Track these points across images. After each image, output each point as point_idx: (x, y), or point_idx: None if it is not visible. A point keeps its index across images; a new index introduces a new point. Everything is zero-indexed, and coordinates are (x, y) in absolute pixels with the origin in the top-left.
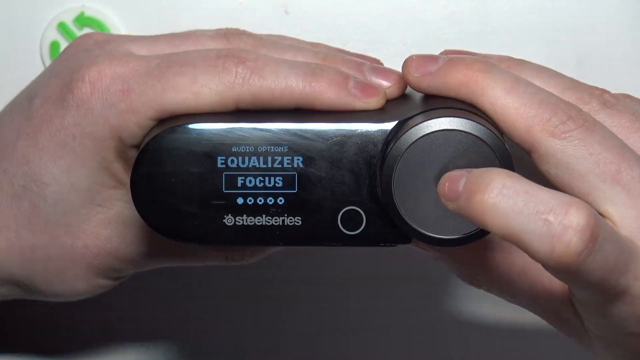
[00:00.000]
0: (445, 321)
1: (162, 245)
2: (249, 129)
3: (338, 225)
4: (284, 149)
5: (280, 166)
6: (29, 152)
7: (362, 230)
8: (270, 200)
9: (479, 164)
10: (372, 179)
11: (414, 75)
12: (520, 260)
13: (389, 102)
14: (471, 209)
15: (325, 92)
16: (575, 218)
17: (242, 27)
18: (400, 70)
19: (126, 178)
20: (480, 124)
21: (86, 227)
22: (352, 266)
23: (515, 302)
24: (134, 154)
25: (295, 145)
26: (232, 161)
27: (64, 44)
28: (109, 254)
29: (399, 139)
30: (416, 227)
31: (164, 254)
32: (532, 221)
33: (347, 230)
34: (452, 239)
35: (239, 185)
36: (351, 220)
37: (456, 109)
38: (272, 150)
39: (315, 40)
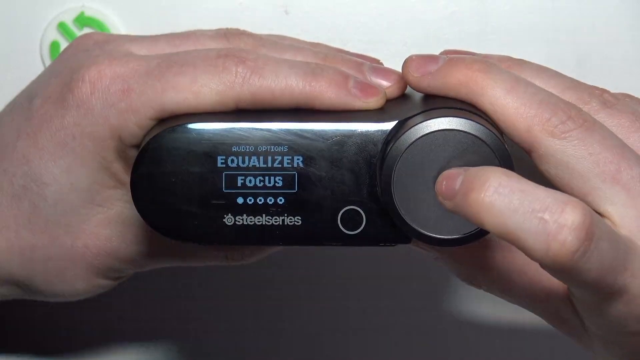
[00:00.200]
0: (445, 321)
1: (162, 245)
2: (249, 128)
3: (338, 224)
4: (284, 149)
5: (280, 166)
6: (29, 152)
7: (362, 230)
8: (270, 200)
9: (479, 163)
10: (372, 178)
11: (414, 75)
12: (520, 260)
13: (389, 101)
14: (467, 207)
15: (325, 92)
16: (570, 216)
17: (242, 27)
18: (400, 70)
19: (126, 178)
20: (479, 123)
21: (86, 227)
22: (352, 266)
23: (515, 302)
24: (134, 153)
25: (295, 145)
26: (232, 161)
27: (64, 44)
28: (108, 254)
29: (398, 138)
30: (416, 227)
31: (163, 254)
32: (528, 219)
33: (347, 230)
34: (452, 239)
35: (239, 184)
36: (351, 220)
37: (456, 108)
38: (272, 149)
39: (315, 40)
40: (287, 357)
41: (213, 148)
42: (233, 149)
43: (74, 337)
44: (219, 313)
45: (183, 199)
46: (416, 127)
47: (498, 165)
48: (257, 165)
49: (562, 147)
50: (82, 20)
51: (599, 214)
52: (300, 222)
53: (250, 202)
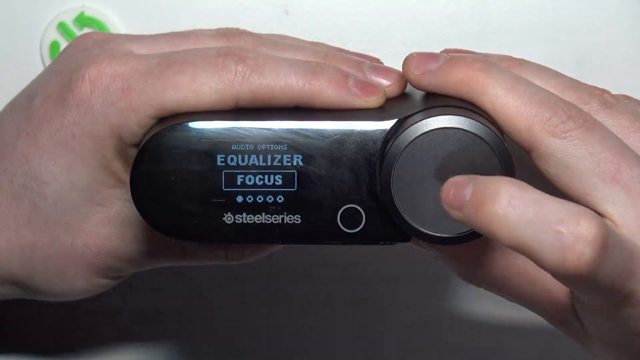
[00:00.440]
0: (445, 320)
1: (162, 244)
2: (248, 127)
3: (337, 223)
4: (283, 147)
5: (279, 164)
6: (29, 151)
7: (361, 229)
8: (270, 199)
9: (478, 162)
10: (372, 177)
11: (415, 73)
12: (520, 259)
13: (389, 100)
14: (479, 220)
15: (325, 91)
16: (586, 228)
17: (242, 27)
18: (400, 69)
19: (126, 177)
20: (479, 122)
21: (86, 226)
22: (352, 265)
23: (516, 301)
24: (133, 152)
25: (295, 144)
26: (232, 159)
27: (64, 44)
28: (108, 253)
29: (398, 137)
30: (415, 225)
31: (163, 253)
32: (543, 232)
33: (347, 229)
34: (452, 237)
35: (239, 183)
36: (351, 218)
37: (456, 107)
38: (271, 148)
39: (315, 40)
40: (287, 357)
41: (213, 146)
42: (233, 148)
43: (74, 337)
44: (219, 313)
45: (183, 198)
46: (416, 125)
47: (498, 164)
48: (257, 164)
49: (562, 147)
50: (82, 20)
51: (599, 213)
52: (299, 220)
53: (249, 201)
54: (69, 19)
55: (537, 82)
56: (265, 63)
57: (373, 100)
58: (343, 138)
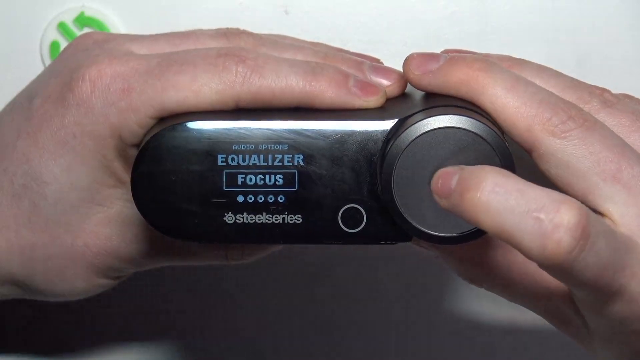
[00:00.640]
0: (445, 320)
1: (162, 244)
2: (249, 127)
3: (338, 223)
4: (284, 147)
5: (280, 164)
6: (29, 151)
7: (362, 228)
8: (271, 198)
9: (480, 161)
10: (373, 176)
11: (415, 73)
12: (521, 258)
13: (389, 100)
14: (463, 206)
15: (326, 91)
16: (566, 216)
17: (242, 27)
18: (400, 69)
19: (126, 177)
20: (480, 121)
21: (86, 226)
22: (352, 265)
23: (516, 301)
24: (134, 152)
25: (295, 143)
26: (233, 159)
27: (64, 44)
28: (108, 252)
29: (399, 136)
30: (416, 225)
31: (163, 252)
32: (524, 219)
33: (348, 228)
34: (452, 237)
35: (240, 183)
36: (351, 218)
37: (456, 106)
38: (272, 148)
39: (315, 40)
40: (287, 357)
41: (213, 146)
42: (233, 148)
43: (74, 337)
44: (219, 313)
45: (183, 198)
46: (416, 125)
47: (499, 164)
48: (258, 164)
49: (562, 147)
50: (82, 20)
51: (600, 213)
52: (300, 220)
53: (250, 201)
54: (69, 19)
55: (537, 82)
56: (266, 64)
57: (373, 100)
58: (344, 138)
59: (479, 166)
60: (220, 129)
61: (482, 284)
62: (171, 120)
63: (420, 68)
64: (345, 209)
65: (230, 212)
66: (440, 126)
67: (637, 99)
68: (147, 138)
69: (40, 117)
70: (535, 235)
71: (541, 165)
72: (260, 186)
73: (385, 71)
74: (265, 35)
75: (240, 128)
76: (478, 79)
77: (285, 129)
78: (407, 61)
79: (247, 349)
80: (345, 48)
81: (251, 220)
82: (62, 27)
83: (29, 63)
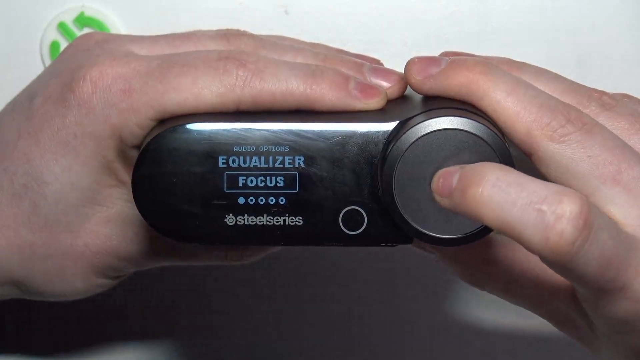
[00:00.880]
0: (447, 323)
1: (162, 245)
2: (250, 128)
3: (339, 225)
4: (285, 149)
5: (281, 166)
6: (30, 150)
7: (363, 230)
8: (272, 200)
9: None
10: (373, 178)
11: (417, 78)
12: (523, 260)
13: (390, 102)
14: (465, 203)
15: (326, 94)
16: (568, 207)
17: (242, 27)
18: (400, 70)
19: (127, 177)
20: (480, 123)
21: (86, 226)
22: (353, 267)
23: (519, 304)
24: (134, 153)
25: (296, 145)
26: (234, 161)
27: (64, 44)
28: (108, 252)
29: (399, 138)
30: (417, 227)
31: (163, 253)
32: (526, 212)
33: (348, 230)
34: (454, 239)
35: (240, 185)
36: (352, 220)
37: (457, 108)
38: (273, 150)
39: (315, 40)
40: (287, 357)
41: (214, 148)
42: (234, 149)
43: (74, 337)
44: (219, 313)
45: (184, 199)
46: (417, 126)
47: None
48: (259, 166)
49: (561, 151)
50: (82, 20)
51: None
52: (301, 222)
53: (251, 202)
54: (69, 19)
55: (536, 85)
56: (266, 67)
57: (374, 103)
58: (345, 140)
59: (480, 163)
60: (221, 130)
61: (484, 286)
62: (172, 122)
63: (422, 73)
64: (346, 211)
65: (231, 214)
66: (441, 128)
67: (636, 98)
68: (148, 140)
69: (41, 117)
70: (537, 227)
71: (541, 168)
72: (261, 188)
73: (386, 73)
74: (266, 36)
75: (241, 130)
76: (479, 82)
77: (286, 131)
78: (408, 66)
79: (248, 349)
80: (345, 48)
81: (252, 222)
82: (62, 27)
83: (29, 63)
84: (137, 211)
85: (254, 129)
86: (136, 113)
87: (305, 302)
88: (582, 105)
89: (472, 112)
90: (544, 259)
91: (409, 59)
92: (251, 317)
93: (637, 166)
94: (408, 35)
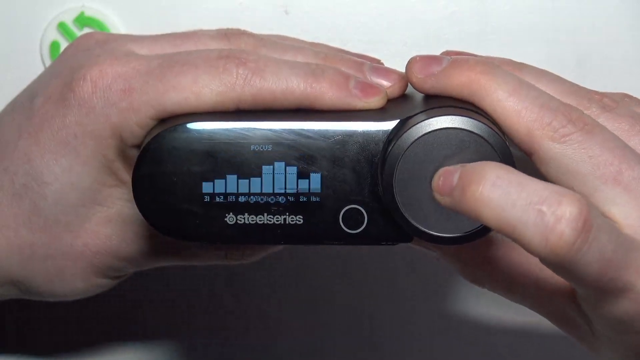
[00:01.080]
0: (447, 320)
1: (162, 244)
2: (250, 127)
3: (339, 224)
4: (285, 148)
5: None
6: (31, 150)
7: (363, 229)
8: (272, 199)
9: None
10: (374, 177)
11: (418, 77)
12: (524, 258)
13: (390, 101)
14: (465, 202)
15: (326, 93)
16: (568, 208)
17: (242, 27)
18: (400, 69)
19: (127, 177)
20: (481, 122)
21: (86, 226)
22: (353, 265)
23: (519, 302)
24: (134, 153)
25: (297, 144)
26: (234, 160)
27: (64, 44)
28: (108, 252)
29: (400, 137)
30: (418, 225)
31: (163, 253)
32: (526, 212)
33: (349, 229)
34: (454, 237)
35: (241, 184)
36: (353, 218)
37: (458, 107)
38: (273, 149)
39: (315, 40)
40: (287, 357)
41: (214, 147)
42: (234, 148)
43: (74, 337)
44: (219, 313)
45: (184, 199)
46: (418, 125)
47: None
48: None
49: (562, 151)
50: (82, 20)
51: (603, 215)
52: (301, 221)
53: (251, 202)
54: (69, 19)
55: (537, 87)
56: (266, 66)
57: (374, 102)
58: (345, 139)
59: (480, 162)
60: (221, 129)
61: (484, 284)
62: (172, 121)
63: (423, 71)
64: (347, 210)
65: (231, 213)
66: (441, 127)
67: (636, 99)
68: (148, 139)
69: (42, 116)
70: (537, 228)
71: (541, 168)
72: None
73: (386, 72)
74: (266, 36)
75: (241, 129)
76: (480, 82)
77: (287, 130)
78: (409, 64)
79: (248, 349)
80: (345, 48)
81: (252, 221)
82: (62, 27)
83: (29, 63)
84: (137, 211)
85: (254, 128)
86: (136, 112)
87: (306, 301)
88: (582, 107)
89: (473, 111)
90: (543, 260)
91: (409, 58)
92: (251, 317)
93: (637, 167)
94: (408, 35)
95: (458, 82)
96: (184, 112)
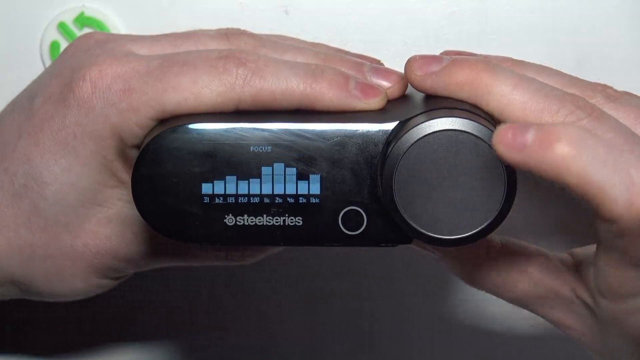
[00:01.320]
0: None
1: (162, 245)
2: (249, 128)
3: (339, 225)
4: (284, 149)
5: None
6: (30, 151)
7: (363, 231)
8: (271, 201)
9: (480, 164)
10: (373, 179)
11: (417, 74)
12: (523, 260)
13: (390, 102)
14: (548, 158)
15: (326, 94)
16: None
17: (242, 27)
18: (400, 70)
19: (126, 177)
20: (481, 124)
21: (86, 226)
22: (352, 267)
23: (519, 304)
24: (134, 153)
25: (296, 145)
26: (233, 161)
27: (64, 44)
28: (108, 253)
29: (400, 139)
30: (417, 227)
31: (163, 253)
32: (613, 172)
33: (348, 231)
34: (453, 239)
35: (240, 185)
36: (352, 220)
37: (457, 109)
38: (273, 150)
39: (315, 40)
40: (287, 357)
41: (214, 148)
42: (234, 149)
43: (74, 337)
44: (219, 313)
45: (184, 200)
46: (418, 127)
47: (500, 167)
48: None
49: None
50: (82, 20)
51: None
52: (301, 222)
53: (251, 203)
54: (69, 19)
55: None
56: (266, 66)
57: (374, 102)
58: (344, 140)
59: (556, 124)
60: (221, 130)
61: (484, 287)
62: (171, 122)
63: (423, 69)
64: (346, 211)
65: (230, 214)
66: (441, 129)
67: (637, 96)
68: (148, 140)
69: (41, 117)
70: (623, 188)
71: None
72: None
73: (386, 73)
74: (266, 36)
75: (240, 130)
76: (482, 79)
77: (286, 131)
78: (409, 63)
79: (248, 349)
80: (345, 48)
81: (251, 222)
82: (62, 27)
83: (29, 63)
84: (136, 212)
85: (253, 129)
86: (136, 113)
87: (306, 302)
88: (587, 97)
89: (472, 112)
90: (617, 223)
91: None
92: (251, 317)
93: None
94: (408, 35)
95: (459, 80)
96: (184, 112)
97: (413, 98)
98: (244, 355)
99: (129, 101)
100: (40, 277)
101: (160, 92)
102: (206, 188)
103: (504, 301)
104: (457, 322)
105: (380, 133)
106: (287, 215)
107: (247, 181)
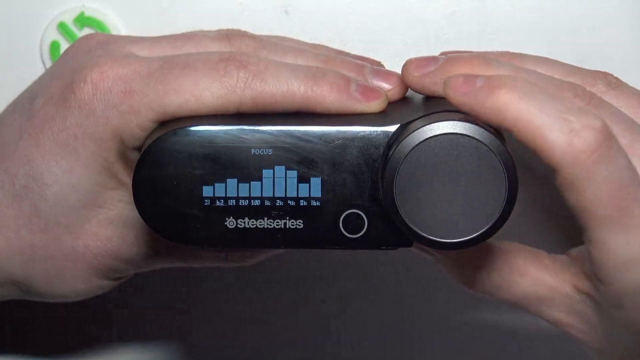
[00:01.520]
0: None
1: (163, 246)
2: (250, 131)
3: (340, 228)
4: (285, 152)
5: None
6: (31, 152)
7: (363, 234)
8: (272, 203)
9: (482, 167)
10: (374, 182)
11: (414, 75)
12: (522, 261)
13: (391, 105)
14: (492, 101)
15: (327, 96)
16: (592, 120)
17: (242, 27)
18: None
19: (127, 179)
20: (482, 127)
21: (87, 228)
22: (352, 269)
23: (519, 306)
24: (135, 155)
25: (297, 148)
26: (234, 163)
27: (64, 44)
28: (109, 254)
29: (401, 142)
30: (418, 230)
31: (164, 254)
32: (553, 117)
33: (349, 234)
34: (454, 243)
35: (241, 188)
36: (353, 223)
37: (458, 112)
38: (273, 152)
39: (315, 41)
40: (287, 358)
41: (215, 150)
42: (235, 152)
43: (74, 337)
44: (219, 313)
45: (185, 202)
46: (419, 130)
47: (500, 169)
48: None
49: None
50: (82, 20)
51: None
52: (302, 225)
53: (252, 205)
54: (69, 19)
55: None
56: (267, 69)
57: (375, 105)
58: (345, 143)
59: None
60: (222, 133)
61: (484, 290)
62: (172, 124)
63: (419, 70)
64: (347, 214)
65: (231, 217)
66: (442, 132)
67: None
68: (149, 142)
69: (42, 118)
70: (562, 132)
71: None
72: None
73: (387, 75)
74: (266, 37)
75: (241, 132)
76: (479, 74)
77: (287, 134)
78: (405, 65)
79: (248, 349)
80: (345, 48)
81: (252, 225)
82: (62, 27)
83: (29, 63)
84: (137, 213)
85: (254, 132)
86: (137, 115)
87: (307, 303)
88: (588, 84)
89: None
90: (560, 167)
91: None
92: (251, 317)
93: None
94: (408, 35)
95: None
96: (185, 114)
97: (414, 100)
98: (244, 356)
99: (129, 103)
100: (40, 278)
101: (161, 94)
102: (207, 190)
103: (503, 305)
104: (457, 323)
105: (382, 136)
106: (288, 218)
107: (248, 184)
